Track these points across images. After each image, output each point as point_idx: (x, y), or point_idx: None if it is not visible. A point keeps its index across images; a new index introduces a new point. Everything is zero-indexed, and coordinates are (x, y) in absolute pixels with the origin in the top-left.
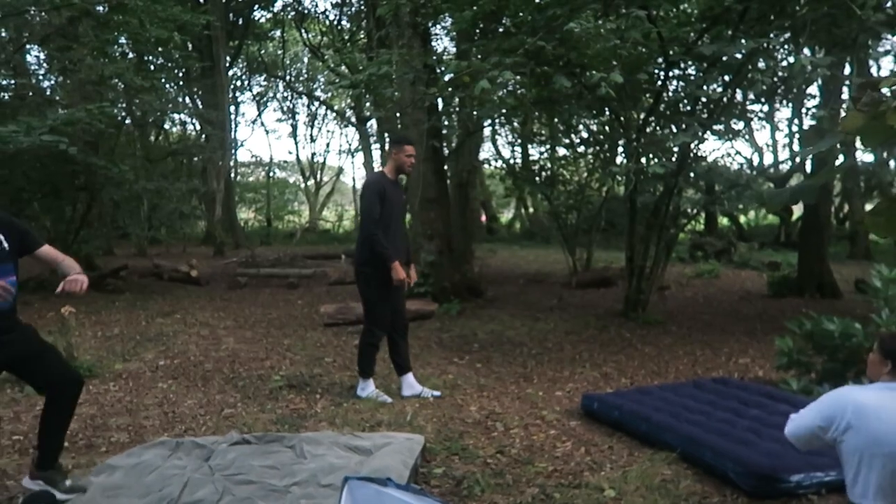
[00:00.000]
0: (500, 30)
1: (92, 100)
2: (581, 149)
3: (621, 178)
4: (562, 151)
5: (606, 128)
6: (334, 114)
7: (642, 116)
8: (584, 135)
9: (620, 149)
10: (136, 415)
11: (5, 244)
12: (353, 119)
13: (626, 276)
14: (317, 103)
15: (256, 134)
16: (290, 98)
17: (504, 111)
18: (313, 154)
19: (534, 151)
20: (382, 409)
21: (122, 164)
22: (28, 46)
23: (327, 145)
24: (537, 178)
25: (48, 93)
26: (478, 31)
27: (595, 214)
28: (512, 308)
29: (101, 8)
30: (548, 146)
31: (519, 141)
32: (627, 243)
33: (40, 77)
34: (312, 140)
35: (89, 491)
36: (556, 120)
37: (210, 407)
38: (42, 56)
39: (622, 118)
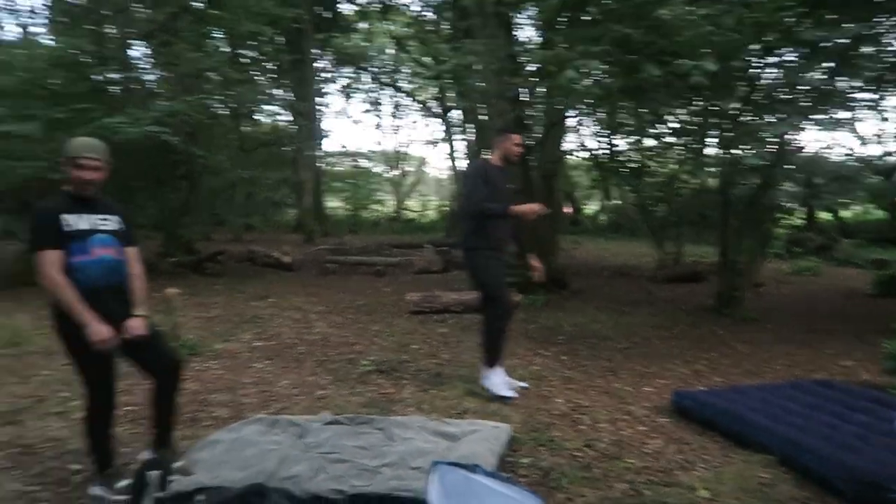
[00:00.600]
0: (587, 18)
1: (191, 92)
2: (670, 139)
3: (714, 170)
4: (649, 142)
5: (697, 118)
6: (419, 105)
7: (736, 106)
8: (674, 125)
9: (713, 139)
10: (236, 392)
11: (118, 226)
12: (437, 110)
13: (718, 272)
14: (401, 94)
15: (343, 125)
16: (375, 89)
17: (590, 101)
18: (398, 144)
19: (620, 142)
20: (469, 397)
21: (219, 154)
22: (133, 42)
23: (412, 136)
24: (624, 170)
25: (152, 86)
26: (563, 19)
27: (685, 207)
28: (597, 301)
29: (199, 4)
30: (635, 137)
31: (605, 131)
32: (720, 238)
33: (144, 71)
34: (397, 130)
35: (196, 466)
36: (643, 110)
37: (303, 388)
38: (146, 51)
39: (715, 107)
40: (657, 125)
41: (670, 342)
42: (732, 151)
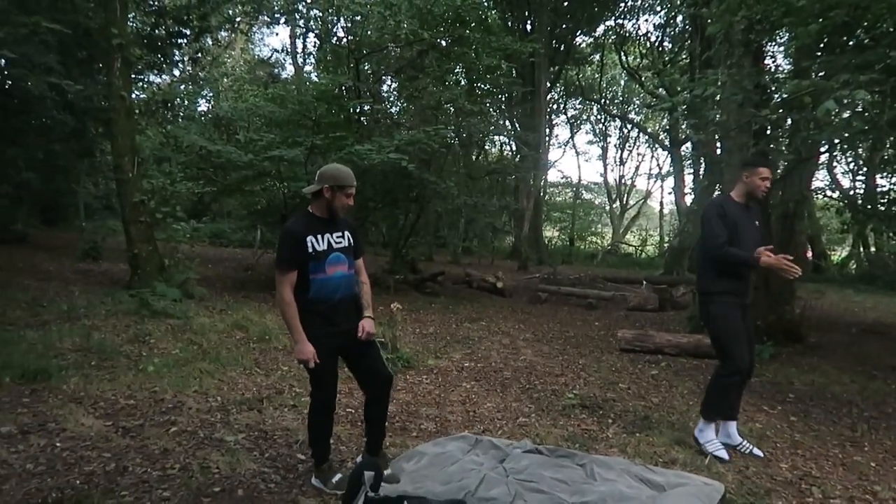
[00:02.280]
0: (852, 43)
1: (429, 123)
2: None
3: None
4: None
5: None
6: (647, 136)
7: None
8: None
9: None
10: (443, 408)
11: (350, 242)
12: (667, 142)
13: None
14: (630, 126)
15: (567, 155)
16: (603, 120)
17: (849, 135)
18: (621, 177)
19: (883, 181)
20: (678, 446)
21: (448, 181)
22: (384, 77)
23: (636, 168)
24: (886, 213)
25: (396, 117)
26: (822, 46)
27: None
28: (839, 360)
29: (444, 41)
30: None
31: (864, 169)
32: None
33: (391, 103)
34: (622, 163)
35: (402, 474)
36: None
37: (506, 412)
38: (394, 85)
39: None
40: None
41: None
42: None
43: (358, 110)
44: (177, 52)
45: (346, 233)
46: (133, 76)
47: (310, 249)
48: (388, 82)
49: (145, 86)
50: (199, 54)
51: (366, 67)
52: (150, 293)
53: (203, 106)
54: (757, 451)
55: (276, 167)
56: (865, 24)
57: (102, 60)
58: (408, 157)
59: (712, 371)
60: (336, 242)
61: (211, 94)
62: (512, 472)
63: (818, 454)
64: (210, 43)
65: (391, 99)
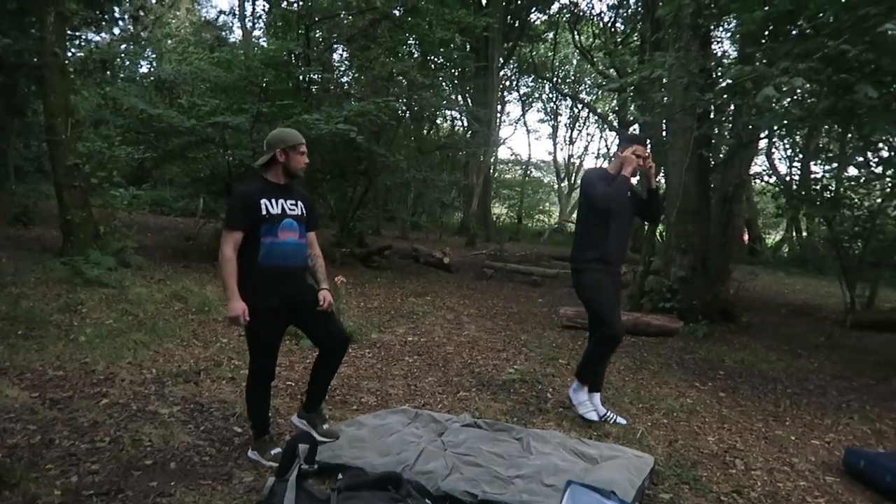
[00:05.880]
0: (795, 32)
1: (380, 94)
2: (878, 169)
3: None
4: (852, 171)
5: None
6: (597, 117)
7: None
8: (885, 153)
9: None
10: (385, 382)
11: (304, 211)
12: (616, 123)
13: None
14: (580, 106)
15: (518, 133)
16: (554, 99)
17: (787, 122)
18: (570, 156)
19: (817, 169)
20: (610, 420)
21: (398, 154)
22: (335, 45)
23: (586, 148)
24: (818, 199)
25: (346, 87)
26: (767, 33)
27: (887, 247)
28: (768, 339)
29: (397, 11)
30: (835, 164)
31: (800, 156)
32: None
33: (342, 73)
34: (571, 142)
35: (340, 438)
36: (850, 135)
37: (447, 387)
38: (345, 54)
39: None
40: (865, 152)
41: (849, 394)
42: None
43: (307, 78)
44: (116, 9)
45: (300, 202)
46: (69, 32)
47: (263, 211)
48: (339, 51)
49: (82, 43)
50: (141, 12)
51: (316, 35)
52: (83, 261)
53: (144, 68)
54: (620, 420)
55: (220, 134)
56: (808, 13)
57: (35, 13)
58: (357, 129)
59: (589, 340)
60: (290, 209)
61: (153, 56)
62: (450, 446)
63: (743, 428)
64: (153, 1)
65: (342, 68)
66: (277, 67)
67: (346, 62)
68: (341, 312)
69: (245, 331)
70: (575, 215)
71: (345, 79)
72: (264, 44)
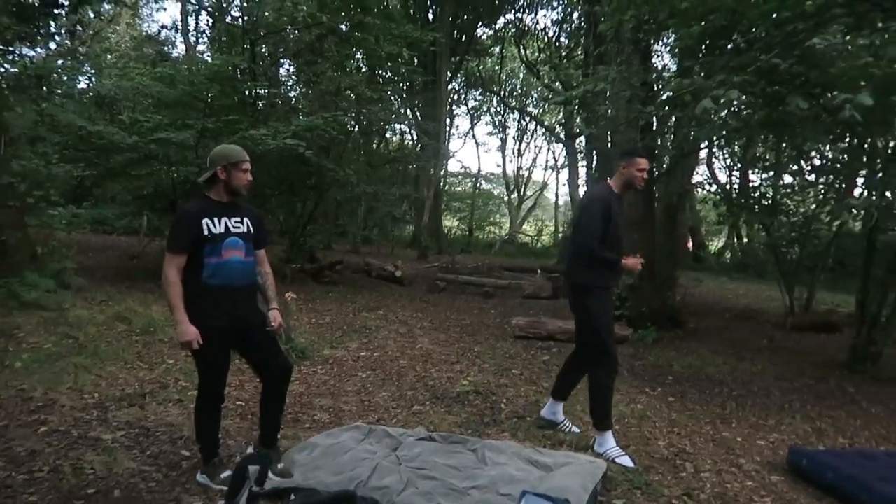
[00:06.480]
0: (730, 46)
1: (329, 109)
2: (811, 177)
3: (858, 213)
4: (788, 179)
5: (845, 156)
6: (544, 129)
7: (892, 144)
8: (817, 162)
9: (861, 180)
10: (338, 398)
11: (250, 229)
12: (563, 135)
13: (854, 324)
14: (528, 118)
15: (467, 146)
16: (502, 112)
17: (725, 133)
18: (519, 168)
19: (755, 177)
20: (566, 429)
21: (347, 168)
22: (282, 60)
23: (534, 160)
24: (756, 207)
25: (294, 102)
26: (704, 47)
27: (822, 251)
28: (714, 343)
29: (344, 26)
30: (772, 172)
31: (738, 165)
32: (861, 287)
33: (289, 87)
34: (520, 154)
35: (293, 466)
36: (784, 145)
37: (402, 401)
38: (292, 69)
39: (866, 145)
40: (799, 161)
41: (791, 395)
42: (885, 194)
43: (253, 93)
44: (52, 24)
45: (246, 219)
46: (1, 47)
47: (205, 231)
48: (286, 66)
49: (16, 59)
50: (79, 27)
51: (262, 49)
52: (19, 283)
53: (83, 83)
54: (575, 429)
55: (163, 150)
56: (742, 28)
57: None
58: (305, 144)
59: (590, 378)
60: (234, 227)
61: (92, 71)
62: (405, 460)
63: (692, 431)
64: (91, 15)
65: (289, 83)
66: (222, 82)
67: (293, 77)
68: (292, 329)
69: (192, 352)
70: (531, 228)
71: (292, 94)
72: (208, 59)
